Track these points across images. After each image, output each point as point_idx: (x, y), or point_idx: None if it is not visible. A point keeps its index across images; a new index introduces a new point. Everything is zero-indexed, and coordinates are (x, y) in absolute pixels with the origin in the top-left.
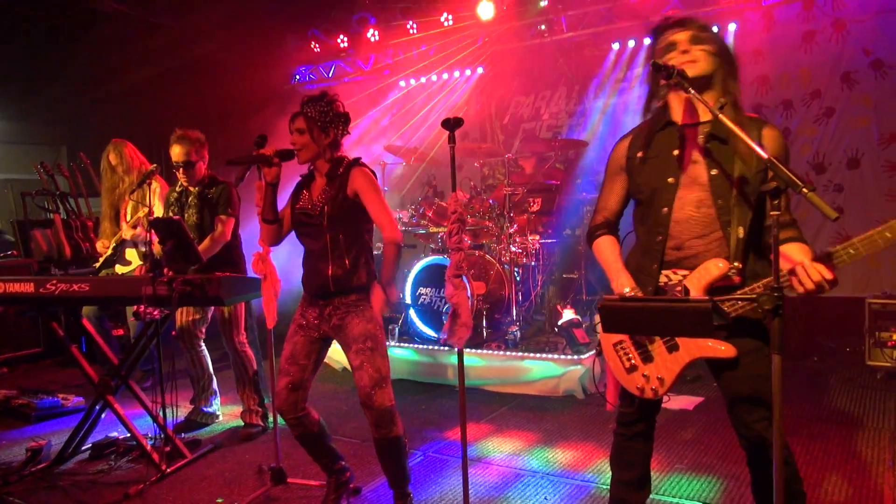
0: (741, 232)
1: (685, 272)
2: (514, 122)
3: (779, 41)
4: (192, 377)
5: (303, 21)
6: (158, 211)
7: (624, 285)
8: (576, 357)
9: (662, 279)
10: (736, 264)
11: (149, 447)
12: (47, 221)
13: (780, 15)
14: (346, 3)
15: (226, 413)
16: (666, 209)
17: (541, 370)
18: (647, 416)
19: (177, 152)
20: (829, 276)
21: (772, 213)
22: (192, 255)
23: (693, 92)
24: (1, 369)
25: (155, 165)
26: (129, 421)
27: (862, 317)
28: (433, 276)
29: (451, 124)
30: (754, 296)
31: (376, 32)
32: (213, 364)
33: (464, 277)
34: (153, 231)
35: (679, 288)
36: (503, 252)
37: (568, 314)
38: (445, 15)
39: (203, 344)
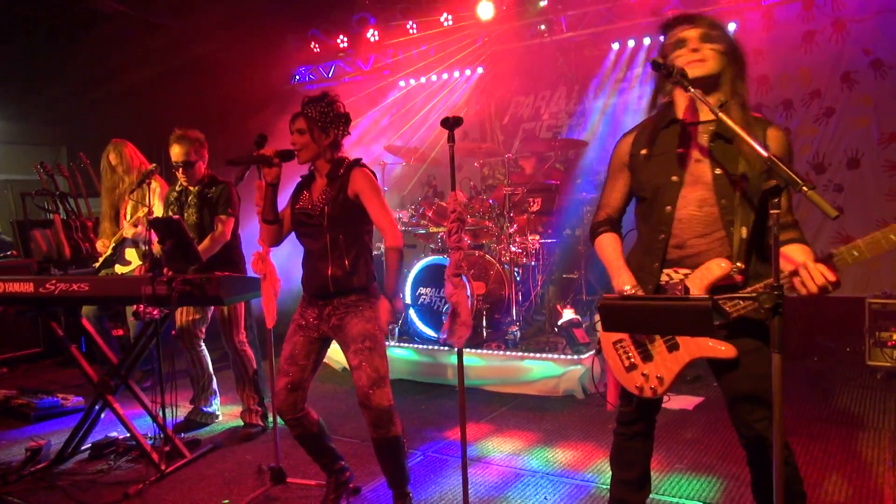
0: (744, 232)
1: (686, 271)
2: (514, 122)
3: (779, 41)
4: (192, 377)
5: (303, 21)
6: (158, 210)
7: (625, 283)
8: (576, 357)
9: (663, 278)
10: (738, 264)
11: (148, 447)
12: (47, 221)
13: (780, 15)
14: (346, 3)
15: (225, 413)
16: (669, 207)
17: (541, 370)
18: (647, 415)
19: (176, 152)
20: (832, 278)
21: (772, 211)
22: (191, 254)
23: (693, 90)
24: (1, 369)
25: (154, 165)
26: (129, 421)
27: (862, 317)
28: (433, 276)
29: (451, 123)
30: (754, 294)
31: (376, 32)
32: (212, 364)
33: (463, 276)
34: (153, 230)
35: (679, 287)
36: (503, 252)
37: (568, 314)
38: (445, 15)
39: (203, 344)
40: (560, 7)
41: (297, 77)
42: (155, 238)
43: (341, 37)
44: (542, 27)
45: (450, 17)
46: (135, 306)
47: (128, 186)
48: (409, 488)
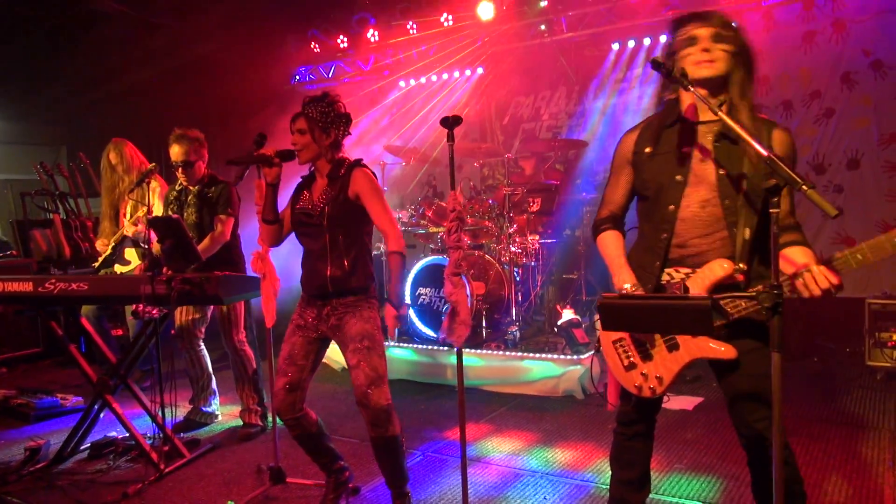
0: (747, 233)
1: (688, 270)
2: (514, 123)
3: (779, 41)
4: (192, 377)
5: (303, 21)
6: (158, 210)
7: (625, 281)
8: (575, 357)
9: (665, 277)
10: (741, 265)
11: (147, 447)
12: (47, 221)
13: (780, 15)
14: (346, 3)
15: (225, 413)
16: (673, 206)
17: (540, 370)
18: (647, 415)
19: (176, 152)
20: (835, 281)
21: (771, 210)
22: (190, 254)
23: (694, 90)
24: (0, 369)
25: (154, 164)
26: (128, 420)
27: (862, 317)
28: (433, 276)
29: (450, 122)
30: (753, 293)
31: (376, 33)
32: (212, 364)
33: (462, 276)
34: (152, 230)
35: (678, 286)
36: (503, 252)
37: (567, 314)
38: (445, 15)
39: (202, 344)
40: (560, 7)
41: (297, 77)
42: (154, 237)
43: (341, 37)
44: (543, 27)
45: (450, 17)
46: (134, 306)
47: (127, 186)
48: (408, 488)
